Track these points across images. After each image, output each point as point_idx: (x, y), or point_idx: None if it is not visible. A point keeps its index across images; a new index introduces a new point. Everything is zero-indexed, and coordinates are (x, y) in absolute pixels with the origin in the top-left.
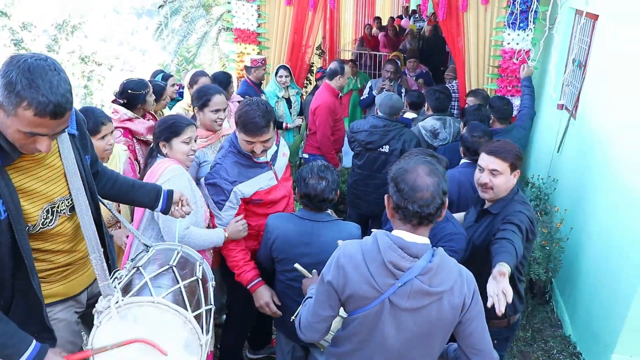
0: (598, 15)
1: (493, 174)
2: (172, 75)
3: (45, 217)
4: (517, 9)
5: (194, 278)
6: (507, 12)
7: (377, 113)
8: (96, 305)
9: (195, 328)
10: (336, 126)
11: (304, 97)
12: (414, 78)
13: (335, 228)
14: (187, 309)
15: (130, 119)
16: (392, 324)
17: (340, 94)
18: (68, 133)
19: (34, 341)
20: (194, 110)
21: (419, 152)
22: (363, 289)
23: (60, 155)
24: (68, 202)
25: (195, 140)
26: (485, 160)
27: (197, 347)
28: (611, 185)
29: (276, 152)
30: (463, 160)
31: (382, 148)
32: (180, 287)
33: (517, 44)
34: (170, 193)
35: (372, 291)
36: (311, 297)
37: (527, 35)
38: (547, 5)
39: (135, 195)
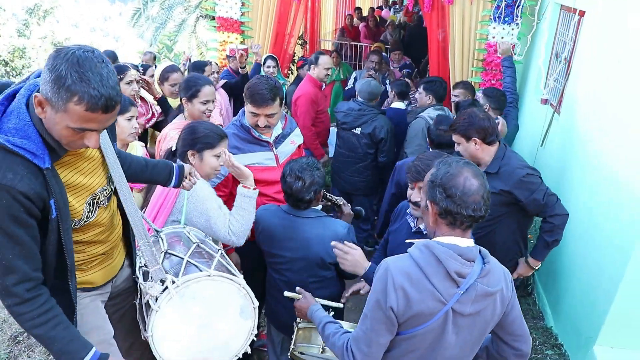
0: (584, 12)
1: (457, 146)
2: (150, 66)
3: (88, 210)
4: (503, 3)
5: (219, 249)
6: (492, 6)
7: (357, 98)
8: (149, 290)
9: (249, 292)
10: (319, 118)
11: (287, 87)
12: (398, 69)
13: (320, 225)
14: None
15: None
16: (454, 332)
17: (323, 85)
18: None
19: (94, 348)
20: (181, 101)
21: (436, 155)
22: (429, 305)
23: (100, 145)
24: (107, 192)
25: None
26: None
27: (250, 311)
28: (594, 180)
29: (282, 135)
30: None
31: (355, 130)
32: (218, 259)
33: (502, 37)
34: (181, 168)
35: (438, 305)
36: (332, 322)
37: (513, 29)
38: (534, 0)
39: (150, 174)
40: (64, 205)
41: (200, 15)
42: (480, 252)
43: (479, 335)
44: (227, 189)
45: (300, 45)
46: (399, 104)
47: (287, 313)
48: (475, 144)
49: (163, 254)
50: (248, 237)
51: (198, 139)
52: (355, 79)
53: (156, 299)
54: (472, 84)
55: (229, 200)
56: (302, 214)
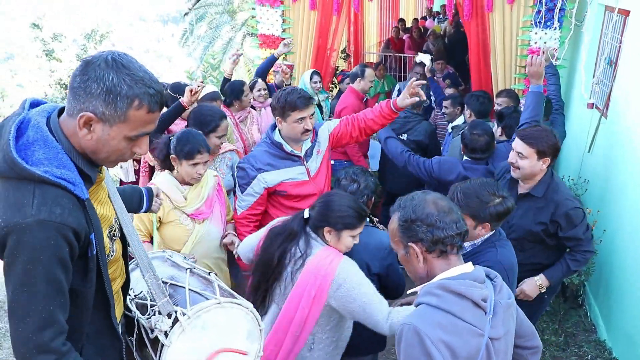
0: (629, 11)
1: (519, 156)
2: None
3: (110, 244)
4: (544, 7)
5: (209, 272)
6: (533, 11)
7: None
8: (156, 325)
9: (256, 316)
10: None
11: (331, 100)
12: (441, 79)
13: (365, 233)
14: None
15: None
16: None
17: (365, 97)
18: None
19: None
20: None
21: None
22: (472, 344)
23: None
24: (117, 224)
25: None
26: (515, 142)
27: (257, 334)
28: None
29: (311, 148)
30: (464, 158)
31: (402, 136)
32: (217, 282)
33: (545, 42)
34: (150, 191)
35: (479, 340)
36: None
37: (555, 33)
38: (574, 3)
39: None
40: (101, 238)
41: (247, 33)
42: (483, 270)
43: (511, 351)
44: (262, 207)
45: (344, 59)
46: (459, 120)
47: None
48: (544, 163)
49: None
50: None
51: (339, 217)
52: (399, 91)
53: (165, 334)
54: (516, 91)
55: (264, 218)
56: None
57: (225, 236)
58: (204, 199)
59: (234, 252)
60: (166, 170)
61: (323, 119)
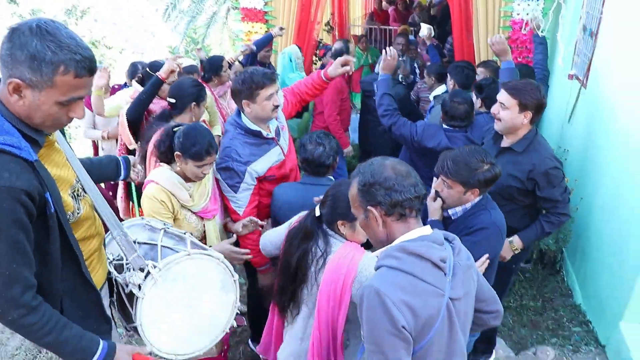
0: None
1: (502, 107)
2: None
3: (74, 203)
4: None
5: (185, 232)
6: None
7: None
8: (130, 280)
9: (228, 266)
10: (342, 105)
11: None
12: (425, 51)
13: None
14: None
15: None
16: (458, 322)
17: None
18: None
19: (101, 341)
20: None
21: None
22: (433, 304)
23: (57, 140)
24: (80, 184)
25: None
26: (500, 93)
27: (231, 284)
28: (621, 155)
29: (277, 127)
30: (443, 126)
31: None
32: (189, 239)
33: (527, 14)
34: (127, 159)
35: (439, 300)
36: None
37: (537, 4)
38: None
39: (98, 172)
40: (58, 196)
41: (231, 7)
42: (442, 232)
43: (471, 313)
44: (257, 198)
45: (327, 32)
46: (440, 89)
47: None
48: (525, 117)
49: (135, 244)
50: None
51: (348, 208)
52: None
53: (139, 287)
54: (496, 62)
55: (259, 208)
56: (320, 181)
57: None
58: (209, 196)
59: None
60: (165, 166)
61: None
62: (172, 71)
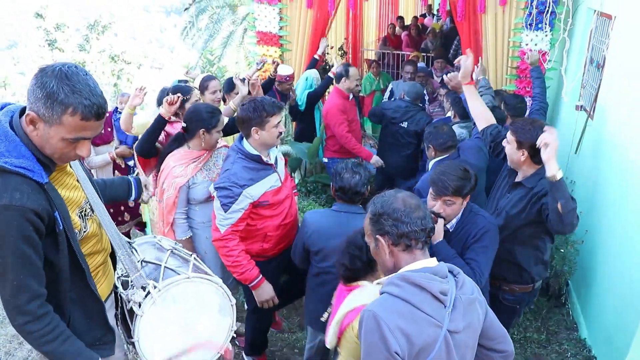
0: (614, 16)
1: (506, 141)
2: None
3: (82, 222)
4: (535, 10)
5: (192, 254)
6: (525, 13)
7: (403, 97)
8: (131, 297)
9: (226, 291)
10: (350, 127)
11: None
12: (440, 79)
13: (360, 219)
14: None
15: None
16: (457, 354)
17: (350, 96)
18: None
19: (99, 358)
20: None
21: (458, 166)
22: (429, 334)
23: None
24: (89, 205)
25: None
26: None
27: (229, 308)
28: (628, 187)
29: (275, 156)
30: (433, 162)
31: (402, 124)
32: (193, 262)
33: (536, 44)
34: (139, 181)
35: (436, 330)
36: None
37: (546, 36)
38: (563, 7)
39: (110, 192)
40: (67, 215)
41: (248, 28)
42: (447, 266)
43: (473, 347)
44: (244, 222)
45: (341, 56)
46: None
47: None
48: (523, 155)
49: (140, 262)
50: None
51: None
52: (392, 91)
53: (139, 305)
54: (506, 91)
55: (247, 231)
56: (351, 209)
57: None
58: None
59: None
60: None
61: None
62: (173, 106)
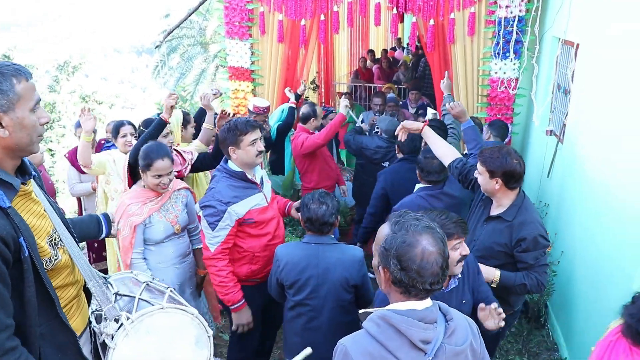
0: (577, 43)
1: (478, 172)
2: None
3: (52, 250)
4: (502, 40)
5: (168, 287)
6: (492, 43)
7: (380, 134)
8: (104, 330)
9: (202, 322)
10: (324, 160)
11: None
12: (415, 109)
13: (338, 250)
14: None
15: None
16: None
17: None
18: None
19: None
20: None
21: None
22: None
23: (35, 193)
24: (57, 234)
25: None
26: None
27: (206, 340)
28: (599, 208)
29: (261, 177)
30: (419, 186)
31: (384, 163)
32: (169, 294)
33: (504, 72)
34: (107, 216)
35: None
36: None
37: (514, 64)
38: (529, 35)
39: (80, 231)
40: (32, 242)
41: (219, 65)
42: (440, 308)
43: None
44: (232, 240)
45: (313, 89)
46: None
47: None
48: (497, 183)
49: (114, 295)
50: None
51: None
52: (363, 120)
53: (112, 337)
54: (479, 119)
55: (234, 251)
56: (322, 240)
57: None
58: None
59: None
60: None
61: None
62: (172, 107)
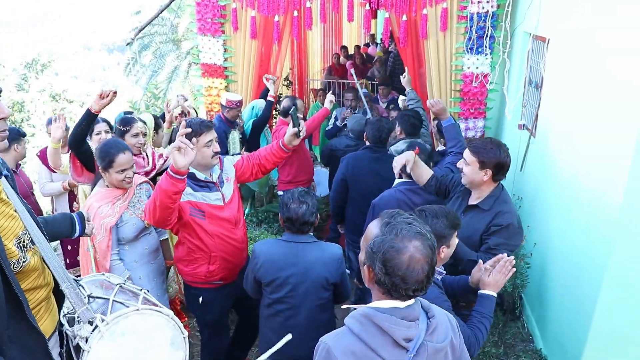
0: (548, 38)
1: (464, 162)
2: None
3: (20, 252)
4: (474, 35)
5: (141, 289)
6: (465, 38)
7: (349, 134)
8: (78, 333)
9: (178, 323)
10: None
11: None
12: (386, 104)
13: (318, 248)
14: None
15: None
16: None
17: None
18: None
19: None
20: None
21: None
22: None
23: (5, 193)
24: (28, 236)
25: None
26: (465, 150)
27: (181, 341)
28: (571, 200)
29: (221, 175)
30: (399, 180)
31: None
32: (143, 295)
33: (477, 67)
34: (82, 215)
35: None
36: None
37: (486, 59)
38: (501, 31)
39: (52, 229)
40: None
41: (192, 62)
42: (422, 305)
43: None
44: (186, 215)
45: (287, 86)
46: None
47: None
48: (485, 174)
49: (87, 298)
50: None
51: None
52: (336, 118)
53: (86, 340)
54: (451, 114)
55: (190, 250)
56: (302, 239)
57: None
58: None
59: None
60: None
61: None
62: (104, 100)
